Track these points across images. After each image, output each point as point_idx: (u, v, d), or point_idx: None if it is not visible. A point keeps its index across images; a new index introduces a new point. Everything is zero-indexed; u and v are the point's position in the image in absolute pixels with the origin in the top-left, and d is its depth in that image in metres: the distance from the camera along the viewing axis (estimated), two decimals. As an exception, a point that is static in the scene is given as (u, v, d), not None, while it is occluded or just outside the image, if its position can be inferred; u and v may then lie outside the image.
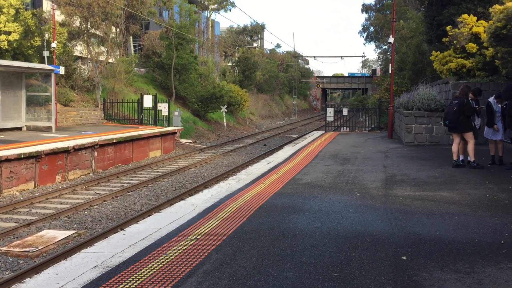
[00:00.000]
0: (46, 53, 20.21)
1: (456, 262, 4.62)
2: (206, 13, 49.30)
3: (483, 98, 12.50)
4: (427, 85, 19.76)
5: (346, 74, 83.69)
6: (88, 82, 24.77)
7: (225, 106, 31.96)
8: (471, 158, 10.24)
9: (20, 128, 18.50)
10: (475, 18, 16.93)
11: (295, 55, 66.82)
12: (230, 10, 57.25)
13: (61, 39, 22.23)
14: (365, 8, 62.34)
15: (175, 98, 31.33)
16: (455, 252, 4.91)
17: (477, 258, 4.74)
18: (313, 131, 27.23)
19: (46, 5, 26.61)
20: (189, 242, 5.29)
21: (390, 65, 20.14)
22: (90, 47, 26.52)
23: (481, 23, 16.39)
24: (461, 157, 10.56)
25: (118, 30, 27.93)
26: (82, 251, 5.26)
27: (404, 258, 4.75)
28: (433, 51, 18.74)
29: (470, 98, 10.24)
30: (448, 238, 5.38)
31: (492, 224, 5.95)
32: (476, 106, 10.43)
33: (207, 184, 13.42)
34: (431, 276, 4.27)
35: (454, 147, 10.52)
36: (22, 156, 12.42)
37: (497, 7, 12.75)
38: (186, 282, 4.16)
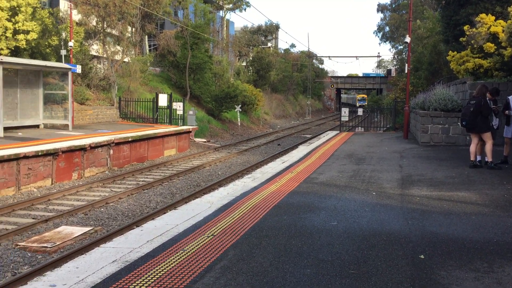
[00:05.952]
0: (63, 52, 20.46)
1: (475, 261, 4.59)
2: (221, 12, 49.45)
3: (501, 98, 12.34)
4: (444, 85, 19.57)
5: (360, 75, 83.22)
6: (104, 81, 25.02)
7: (239, 105, 31.99)
8: (489, 158, 10.13)
9: (37, 126, 18.75)
10: (493, 17, 16.73)
11: (309, 55, 66.59)
12: (245, 9, 57.25)
13: (78, 38, 22.49)
14: (381, 8, 62.12)
15: (190, 97, 31.47)
16: (473, 252, 4.87)
17: (496, 258, 4.70)
18: (327, 131, 27.14)
19: (63, 5, 26.93)
20: (206, 239, 5.33)
21: (406, 65, 19.99)
22: (106, 46, 26.78)
23: (499, 23, 16.20)
24: (478, 158, 10.45)
25: (133, 29, 28.17)
26: (100, 246, 5.32)
27: (422, 256, 4.73)
28: (450, 51, 18.55)
29: (487, 98, 10.14)
30: (466, 238, 5.34)
31: (511, 224, 5.89)
32: (494, 106, 10.31)
33: (222, 183, 13.46)
34: (450, 275, 4.24)
35: (472, 148, 10.41)
36: (39, 154, 12.60)
37: (516, 6, 12.59)
38: (204, 277, 4.19)
